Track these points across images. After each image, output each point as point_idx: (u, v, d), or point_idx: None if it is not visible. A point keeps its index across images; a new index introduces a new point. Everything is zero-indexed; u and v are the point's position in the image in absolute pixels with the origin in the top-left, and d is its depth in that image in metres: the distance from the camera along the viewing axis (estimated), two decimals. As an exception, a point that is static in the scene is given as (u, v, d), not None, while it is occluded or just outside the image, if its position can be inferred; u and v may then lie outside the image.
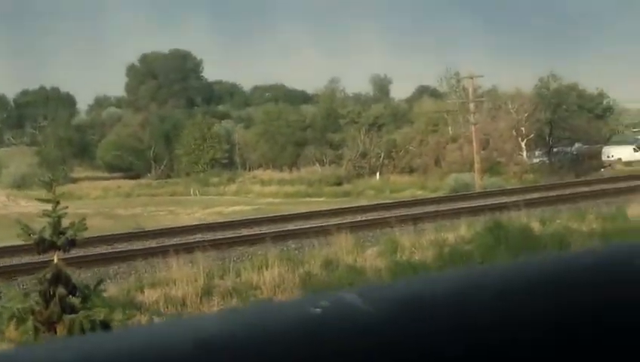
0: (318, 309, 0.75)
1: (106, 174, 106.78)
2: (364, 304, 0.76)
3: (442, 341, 0.74)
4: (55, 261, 7.73)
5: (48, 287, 7.61)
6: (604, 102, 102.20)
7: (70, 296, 7.51)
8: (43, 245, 7.60)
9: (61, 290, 7.58)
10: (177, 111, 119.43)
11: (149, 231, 35.80)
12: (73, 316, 8.07)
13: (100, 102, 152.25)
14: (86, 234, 31.65)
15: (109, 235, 32.78)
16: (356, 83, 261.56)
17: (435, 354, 0.73)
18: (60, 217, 7.74)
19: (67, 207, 7.59)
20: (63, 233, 7.69)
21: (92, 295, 7.76)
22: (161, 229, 35.97)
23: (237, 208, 62.80)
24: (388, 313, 0.76)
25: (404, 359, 0.73)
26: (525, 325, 0.80)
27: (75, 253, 27.34)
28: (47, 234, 7.63)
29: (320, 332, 0.73)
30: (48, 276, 7.66)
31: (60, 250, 7.66)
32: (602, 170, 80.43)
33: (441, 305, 0.78)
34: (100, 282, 7.94)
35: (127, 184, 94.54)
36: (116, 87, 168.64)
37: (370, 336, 0.73)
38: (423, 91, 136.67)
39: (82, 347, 0.72)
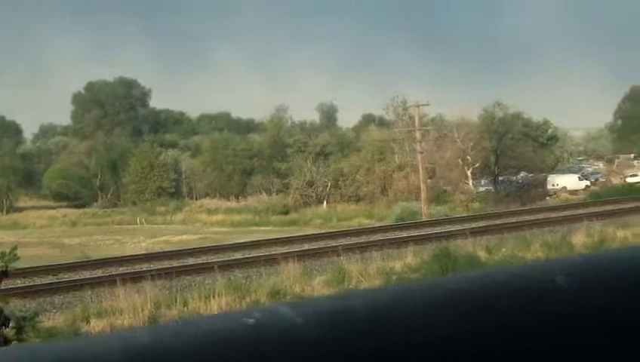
0: (251, 320, 0.75)
1: (52, 203, 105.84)
2: (296, 316, 0.76)
3: (371, 352, 0.75)
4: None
5: (-21, 320, 7.49)
6: (549, 130, 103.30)
7: (3, 328, 7.41)
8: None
9: (-8, 322, 7.46)
10: (124, 139, 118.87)
11: (95, 260, 35.55)
12: (3, 348, 7.95)
13: (46, 131, 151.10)
14: (32, 264, 31.26)
15: (55, 265, 32.48)
16: (303, 111, 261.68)
17: None
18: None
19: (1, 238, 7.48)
20: (-8, 264, 7.57)
21: (27, 326, 7.66)
22: (108, 258, 35.71)
23: (184, 237, 62.53)
24: (319, 325, 0.76)
25: None
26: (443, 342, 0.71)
27: (20, 282, 27.11)
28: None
29: (253, 342, 0.73)
30: (-22, 308, 7.54)
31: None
32: (547, 198, 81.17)
33: (374, 319, 0.78)
34: (36, 314, 7.85)
35: (74, 213, 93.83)
36: (62, 115, 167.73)
37: (302, 347, 0.74)
38: (369, 119, 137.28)
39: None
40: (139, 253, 42.12)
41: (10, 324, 7.55)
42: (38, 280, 27.71)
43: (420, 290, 0.73)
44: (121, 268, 30.52)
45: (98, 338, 0.76)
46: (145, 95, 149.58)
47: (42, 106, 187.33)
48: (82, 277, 28.67)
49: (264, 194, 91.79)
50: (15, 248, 7.58)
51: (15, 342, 8.01)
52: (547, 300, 0.76)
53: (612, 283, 0.84)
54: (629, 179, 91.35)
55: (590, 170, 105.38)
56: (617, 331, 0.76)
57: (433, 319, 0.82)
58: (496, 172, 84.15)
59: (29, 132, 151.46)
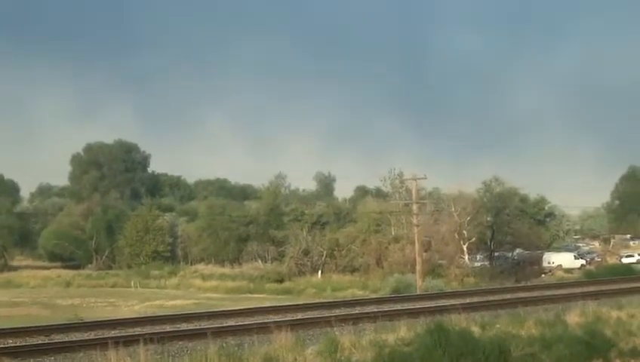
0: None
1: (47, 263, 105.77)
2: None
3: None
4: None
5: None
6: (546, 207, 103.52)
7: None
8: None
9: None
10: (120, 202, 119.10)
11: (87, 322, 35.37)
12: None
13: (43, 191, 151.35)
14: (24, 323, 31.13)
15: (47, 325, 32.30)
16: (298, 181, 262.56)
17: None
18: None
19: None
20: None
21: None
22: (100, 321, 35.53)
23: (177, 302, 62.43)
24: None
25: None
26: None
27: (12, 342, 26.99)
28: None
29: None
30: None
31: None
32: (543, 276, 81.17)
33: None
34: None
35: (68, 274, 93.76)
36: (59, 176, 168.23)
37: None
38: (365, 191, 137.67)
39: None
40: (132, 316, 42.03)
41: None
42: (30, 340, 27.56)
43: None
44: (113, 331, 30.35)
45: None
46: (145, 159, 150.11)
47: (40, 167, 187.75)
48: (74, 338, 28.51)
49: (259, 261, 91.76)
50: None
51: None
52: None
53: None
54: (625, 260, 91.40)
55: (586, 249, 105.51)
56: None
57: None
58: (492, 247, 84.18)
59: (26, 191, 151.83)
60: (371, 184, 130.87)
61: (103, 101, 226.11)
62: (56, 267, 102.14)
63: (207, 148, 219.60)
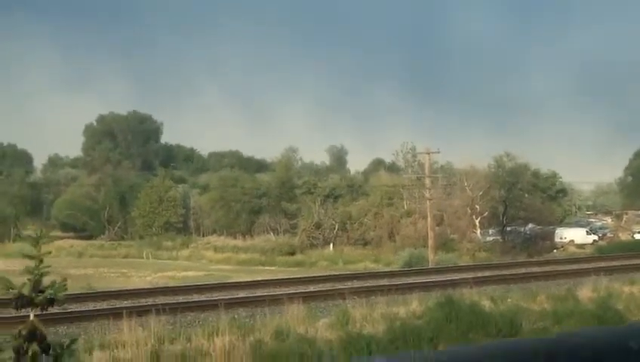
0: None
1: (60, 233, 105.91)
2: None
3: None
4: (31, 318, 7.75)
5: (22, 343, 7.62)
6: (557, 183, 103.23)
7: (43, 354, 7.52)
8: (21, 301, 7.61)
9: (35, 347, 7.59)
10: (133, 173, 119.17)
11: (100, 292, 35.57)
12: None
13: (54, 162, 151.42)
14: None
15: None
16: (312, 153, 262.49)
17: None
18: (42, 275, 7.78)
19: (50, 266, 7.63)
20: (42, 291, 7.70)
21: (64, 354, 7.76)
22: (113, 291, 35.72)
23: (189, 273, 62.51)
24: None
25: None
26: None
27: (24, 311, 27.15)
28: (26, 291, 7.66)
29: None
30: (24, 332, 7.68)
31: (37, 307, 7.67)
32: (555, 251, 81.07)
33: None
34: (73, 341, 7.92)
35: (81, 244, 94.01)
36: (72, 147, 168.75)
37: None
38: (378, 164, 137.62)
39: None
40: (144, 286, 42.16)
41: (50, 352, 7.65)
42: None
43: (505, 348, 0.77)
44: (125, 302, 30.54)
45: None
46: (158, 129, 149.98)
47: (53, 137, 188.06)
48: (88, 308, 28.67)
49: (271, 233, 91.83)
50: (65, 279, 7.70)
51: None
52: None
53: None
54: (637, 236, 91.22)
55: (598, 224, 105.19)
56: None
57: None
58: (505, 222, 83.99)
59: (40, 162, 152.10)
60: (387, 158, 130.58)
61: (96, 70, 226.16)
62: (68, 237, 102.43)
63: (207, 121, 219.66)
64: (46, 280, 7.52)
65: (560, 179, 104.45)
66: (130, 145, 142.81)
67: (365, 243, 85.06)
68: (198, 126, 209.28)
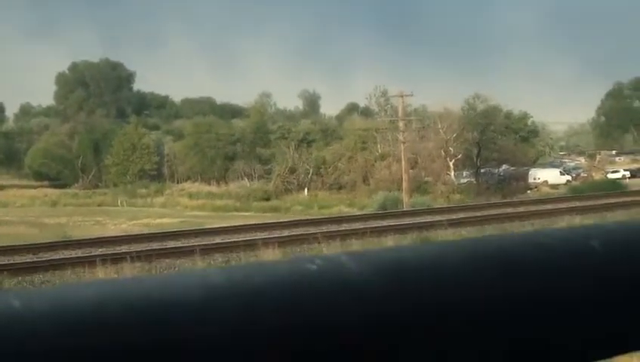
0: (314, 266, 0.77)
1: (33, 182, 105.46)
2: (356, 266, 0.78)
3: (424, 301, 0.79)
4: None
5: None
6: (529, 122, 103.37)
7: None
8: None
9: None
10: (106, 121, 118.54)
11: (75, 240, 35.47)
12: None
13: (27, 111, 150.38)
14: (12, 242, 31.18)
15: (34, 244, 32.41)
16: (286, 99, 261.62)
17: (417, 311, 0.78)
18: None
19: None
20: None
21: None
22: (88, 239, 35.65)
23: (164, 220, 62.46)
24: (377, 276, 0.78)
25: (391, 314, 0.76)
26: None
27: (-1, 260, 27.08)
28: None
29: (315, 287, 0.75)
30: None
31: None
32: (529, 191, 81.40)
33: (424, 272, 0.81)
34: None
35: (54, 193, 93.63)
36: (44, 95, 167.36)
37: (362, 294, 0.76)
38: (352, 108, 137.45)
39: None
40: (119, 234, 42.11)
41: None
42: (18, 259, 27.63)
43: (465, 246, 0.76)
44: (100, 249, 30.45)
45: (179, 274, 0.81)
46: (130, 76, 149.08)
47: (25, 86, 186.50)
48: (62, 256, 28.60)
49: (246, 179, 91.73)
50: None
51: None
52: (585, 263, 0.78)
53: None
54: (611, 175, 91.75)
55: (572, 165, 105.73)
56: None
57: (476, 275, 0.85)
58: (478, 164, 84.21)
59: (12, 111, 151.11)
60: (361, 102, 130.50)
61: (66, 19, 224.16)
62: (42, 186, 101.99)
63: (179, 69, 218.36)
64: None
65: (532, 119, 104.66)
66: (102, 92, 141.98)
67: (340, 188, 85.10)
68: (171, 73, 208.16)
